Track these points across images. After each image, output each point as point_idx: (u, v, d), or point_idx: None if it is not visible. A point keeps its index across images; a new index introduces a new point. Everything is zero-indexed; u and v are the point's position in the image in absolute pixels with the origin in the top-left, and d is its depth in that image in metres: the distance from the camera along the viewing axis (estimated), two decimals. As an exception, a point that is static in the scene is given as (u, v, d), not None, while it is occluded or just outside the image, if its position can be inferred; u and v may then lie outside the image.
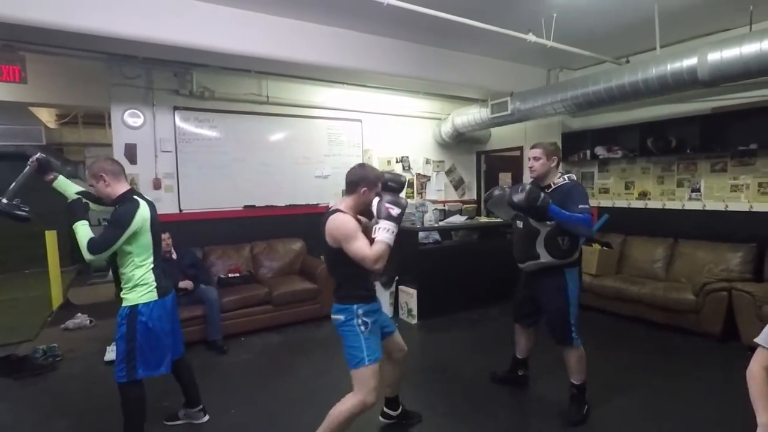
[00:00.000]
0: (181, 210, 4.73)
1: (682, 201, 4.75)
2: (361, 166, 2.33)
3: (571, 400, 2.75)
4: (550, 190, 2.62)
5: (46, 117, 6.25)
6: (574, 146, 5.47)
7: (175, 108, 4.67)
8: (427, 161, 6.40)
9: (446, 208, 5.91)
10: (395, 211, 2.10)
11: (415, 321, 4.62)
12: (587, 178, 5.62)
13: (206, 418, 2.82)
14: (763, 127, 4.03)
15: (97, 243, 2.19)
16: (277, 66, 4.59)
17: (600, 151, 5.22)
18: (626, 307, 4.47)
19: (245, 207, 5.07)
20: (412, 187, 6.30)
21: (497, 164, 6.87)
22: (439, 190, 6.51)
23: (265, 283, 4.70)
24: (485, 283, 4.97)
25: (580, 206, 2.45)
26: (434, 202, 6.22)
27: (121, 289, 2.35)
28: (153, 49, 3.71)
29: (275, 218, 5.23)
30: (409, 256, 4.75)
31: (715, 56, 3.43)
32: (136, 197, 2.35)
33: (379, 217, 2.11)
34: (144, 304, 2.33)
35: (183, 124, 4.72)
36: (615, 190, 5.35)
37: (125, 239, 2.25)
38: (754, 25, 3.75)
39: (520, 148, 6.12)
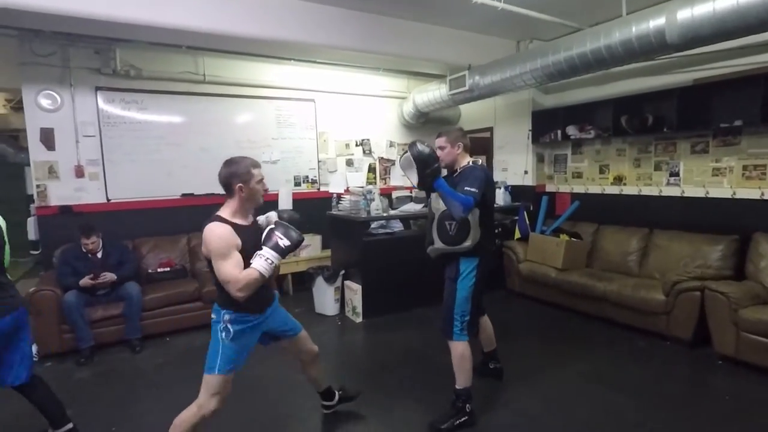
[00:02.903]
0: (108, 199, 4.38)
1: (659, 186, 4.22)
2: (227, 162, 2.03)
3: (451, 404, 2.54)
4: (455, 174, 2.52)
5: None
6: (545, 126, 4.94)
7: (98, 88, 4.28)
8: (391, 144, 5.94)
9: (413, 194, 5.47)
10: (284, 243, 1.91)
11: (360, 319, 4.23)
12: (560, 161, 5.10)
13: None
14: (750, 100, 3.45)
15: None
16: (212, 41, 4.17)
17: (572, 131, 4.69)
18: (592, 306, 4.00)
19: (183, 195, 4.69)
20: (375, 173, 5.85)
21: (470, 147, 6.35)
22: (404, 175, 6.02)
23: (200, 277, 4.36)
24: (442, 277, 4.51)
25: (466, 187, 2.28)
26: (399, 188, 5.80)
27: None
28: (68, 22, 3.32)
29: (216, 207, 4.83)
30: (353, 248, 4.34)
31: (685, 14, 2.88)
32: None
33: (264, 244, 1.90)
34: None
35: (107, 106, 4.33)
36: (589, 175, 4.82)
37: None
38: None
39: (490, 129, 5.61)
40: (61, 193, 4.19)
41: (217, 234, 1.86)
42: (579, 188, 4.92)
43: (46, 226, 4.15)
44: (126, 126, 4.42)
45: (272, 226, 1.94)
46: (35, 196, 4.13)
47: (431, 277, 4.45)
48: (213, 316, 2.04)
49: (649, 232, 4.17)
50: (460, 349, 2.50)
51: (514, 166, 5.32)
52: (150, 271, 4.24)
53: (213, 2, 3.47)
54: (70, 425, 2.43)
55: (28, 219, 4.26)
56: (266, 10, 3.67)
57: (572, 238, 4.41)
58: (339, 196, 4.69)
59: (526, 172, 5.19)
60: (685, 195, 4.02)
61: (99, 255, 3.80)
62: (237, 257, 1.86)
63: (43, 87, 4.08)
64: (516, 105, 5.20)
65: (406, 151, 2.42)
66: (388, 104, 5.84)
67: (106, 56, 4.26)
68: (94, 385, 3.18)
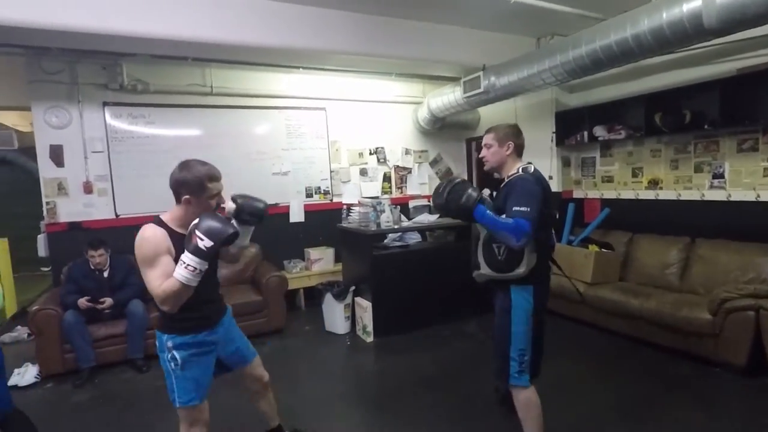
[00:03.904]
0: (117, 215, 4.33)
1: (701, 190, 3.77)
2: (180, 166, 1.76)
3: None
4: (503, 185, 2.09)
5: (17, 120, 6.10)
6: (570, 127, 4.57)
7: (105, 104, 4.26)
8: (407, 151, 5.68)
9: (431, 204, 5.20)
10: (204, 243, 1.59)
11: (370, 339, 3.97)
12: (588, 164, 4.71)
13: None
14: (806, 89, 3.03)
15: None
16: (218, 51, 4.08)
17: (600, 131, 4.30)
18: (626, 325, 3.60)
19: (192, 210, 4.60)
20: (390, 182, 5.61)
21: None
22: (422, 183, 5.77)
23: (208, 294, 4.23)
24: (460, 293, 4.19)
25: (514, 208, 1.86)
26: (416, 197, 5.55)
27: None
28: (74, 38, 3.31)
29: (226, 221, 4.74)
30: (362, 263, 4.10)
31: (724, -7, 2.52)
32: None
33: (185, 247, 1.62)
34: None
35: (115, 121, 4.30)
36: (620, 179, 4.41)
37: None
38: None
39: (512, 133, 5.26)
40: (71, 209, 4.17)
41: (146, 236, 1.67)
42: (610, 194, 4.51)
43: (56, 242, 4.14)
44: (134, 141, 4.37)
45: (194, 222, 1.63)
46: (45, 213, 4.12)
47: (447, 293, 4.21)
48: (157, 342, 1.83)
49: (691, 241, 3.73)
50: (522, 396, 2.07)
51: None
52: (156, 287, 4.14)
53: (216, 12, 3.39)
54: None
55: (38, 236, 4.26)
56: (271, 17, 3.56)
57: (602, 249, 4.01)
58: (349, 208, 4.47)
59: (550, 178, 4.81)
60: (732, 199, 3.57)
61: (105, 274, 3.72)
62: (165, 265, 1.65)
63: (52, 104, 4.08)
64: (538, 106, 4.86)
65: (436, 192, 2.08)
66: (403, 110, 5.61)
67: (112, 71, 4.24)
68: (89, 409, 3.04)
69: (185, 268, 1.58)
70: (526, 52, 4.17)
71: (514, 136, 2.13)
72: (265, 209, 1.96)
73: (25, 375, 3.44)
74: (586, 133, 4.39)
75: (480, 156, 2.24)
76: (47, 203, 4.10)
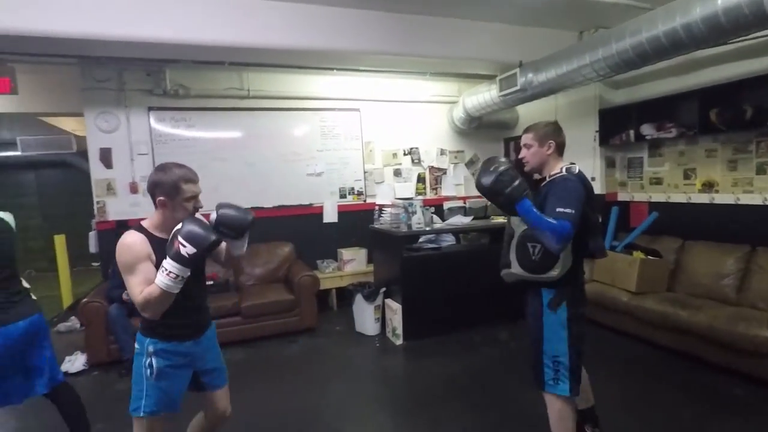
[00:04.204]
0: (160, 214, 4.53)
1: (763, 194, 3.43)
2: (157, 168, 1.73)
3: None
4: (543, 184, 2.01)
5: (75, 125, 6.54)
6: (615, 125, 4.30)
7: (150, 108, 4.47)
8: (442, 152, 5.57)
9: (467, 205, 5.09)
10: (186, 250, 1.53)
11: (400, 342, 3.92)
12: (635, 165, 4.41)
13: None
14: None
15: None
16: (254, 55, 4.14)
17: (648, 129, 4.02)
18: (674, 339, 3.33)
19: (229, 210, 4.74)
20: (424, 183, 5.52)
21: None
22: (458, 184, 5.64)
23: (244, 291, 4.35)
24: (493, 297, 4.04)
25: (557, 209, 1.77)
26: (451, 198, 5.44)
27: None
28: (122, 47, 3.46)
29: (262, 220, 4.79)
30: (393, 264, 4.06)
31: (789, -25, 2.27)
32: None
33: (167, 252, 1.56)
34: None
35: (158, 125, 4.51)
36: (671, 181, 4.09)
37: None
38: None
39: (552, 132, 5.03)
40: (118, 208, 4.41)
41: (126, 243, 1.63)
42: (658, 196, 4.20)
43: (105, 239, 4.38)
44: (175, 143, 4.56)
45: (177, 227, 1.58)
46: (95, 212, 4.38)
47: (479, 298, 4.08)
48: (136, 346, 1.76)
49: (751, 250, 3.40)
50: (556, 405, 1.97)
51: (580, 172, 4.70)
52: (194, 284, 4.30)
53: (252, 18, 3.47)
54: None
55: (90, 233, 4.53)
56: (304, 20, 3.60)
57: (649, 256, 3.74)
58: (381, 209, 4.44)
59: (593, 179, 4.53)
60: (800, 204, 3.23)
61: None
62: (145, 272, 1.61)
63: (102, 110, 4.33)
64: (580, 103, 4.61)
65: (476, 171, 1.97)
66: (438, 110, 5.51)
67: (157, 77, 4.43)
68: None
69: (167, 275, 1.53)
70: (565, 47, 3.97)
71: (554, 135, 2.03)
72: (247, 223, 1.73)
73: (75, 362, 3.68)
74: (632, 132, 4.11)
75: (519, 157, 2.13)
76: (97, 202, 4.36)
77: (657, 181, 4.21)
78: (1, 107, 4.48)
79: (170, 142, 4.54)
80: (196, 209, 1.71)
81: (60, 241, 5.30)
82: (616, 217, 4.15)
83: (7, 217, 2.28)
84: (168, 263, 1.53)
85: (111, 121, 4.36)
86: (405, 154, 5.41)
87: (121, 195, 4.42)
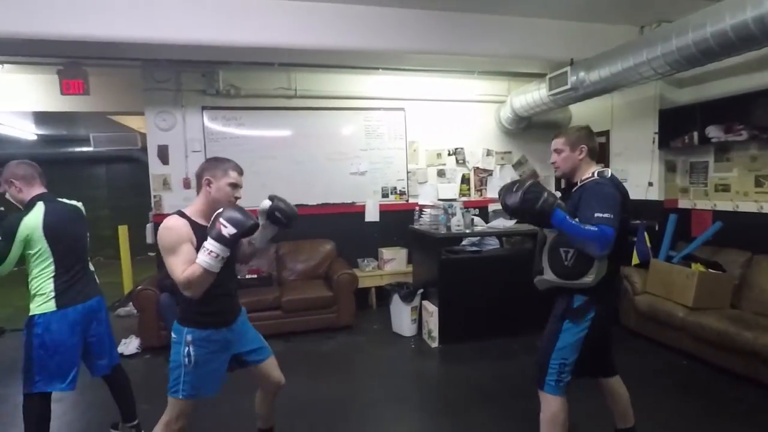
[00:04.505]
0: (210, 209, 4.76)
1: None
2: (208, 158, 1.95)
3: None
4: (575, 189, 1.99)
5: (140, 124, 7.00)
6: (677, 127, 3.99)
7: (204, 108, 4.69)
8: (489, 153, 5.43)
9: (500, 204, 4.93)
10: (228, 231, 1.64)
11: (435, 344, 3.87)
12: (698, 170, 4.08)
13: None
14: None
15: None
16: (301, 56, 4.26)
17: (715, 132, 3.70)
18: (735, 361, 3.05)
19: (274, 206, 4.88)
20: (468, 184, 5.41)
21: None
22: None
23: (285, 286, 4.47)
24: (535, 304, 3.86)
25: (596, 214, 1.76)
26: (497, 201, 5.28)
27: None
28: (180, 50, 3.72)
29: (306, 218, 4.91)
30: (431, 266, 4.01)
31: None
32: (39, 202, 2.22)
33: (208, 233, 1.67)
34: (40, 315, 2.19)
35: (211, 123, 4.72)
36: (740, 188, 3.75)
37: (18, 251, 2.13)
38: None
39: (606, 133, 4.76)
40: (173, 202, 4.65)
41: (168, 226, 1.74)
42: (724, 205, 3.86)
43: (160, 231, 4.66)
44: (226, 141, 4.76)
45: (219, 211, 1.69)
46: (152, 205, 4.67)
47: (519, 305, 3.93)
48: (173, 335, 1.87)
49: (831, 267, 3.05)
50: (552, 407, 1.97)
51: (636, 176, 4.41)
52: (239, 277, 4.47)
53: (300, 19, 3.57)
54: (136, 421, 2.59)
55: (147, 225, 4.84)
56: (351, 20, 3.66)
57: (710, 269, 3.45)
58: (421, 209, 4.40)
59: (650, 184, 4.26)
60: None
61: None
62: (187, 253, 1.70)
63: (161, 109, 4.60)
64: (638, 103, 4.33)
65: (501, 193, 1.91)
66: (485, 109, 5.37)
67: (210, 78, 4.64)
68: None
69: (208, 254, 1.63)
70: (621, 43, 3.74)
71: (587, 139, 2.01)
72: (295, 214, 2.00)
73: (129, 345, 3.95)
74: (696, 134, 3.80)
75: (551, 162, 2.12)
76: (154, 196, 4.65)
77: (724, 188, 3.87)
78: (76, 107, 4.87)
79: (221, 140, 4.75)
80: (235, 198, 1.83)
81: (123, 231, 5.69)
82: (674, 225, 3.86)
83: (80, 206, 2.49)
84: (210, 243, 1.63)
85: (168, 119, 4.62)
86: (449, 155, 5.33)
87: (176, 190, 4.68)
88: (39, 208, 2.20)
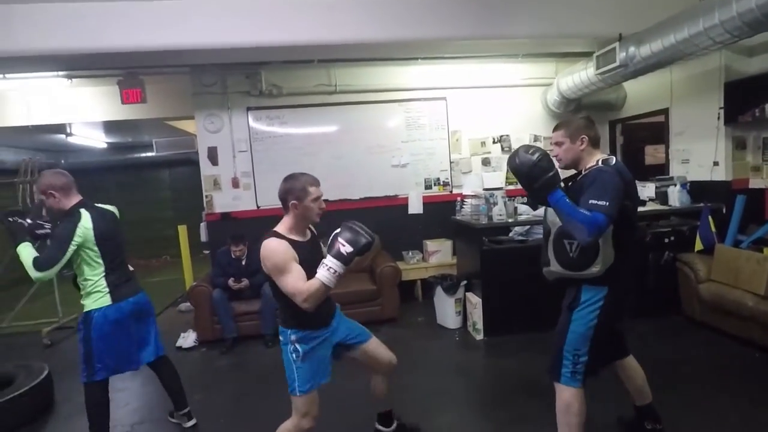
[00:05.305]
0: (258, 206, 4.95)
1: None
2: (285, 178, 2.03)
3: None
4: (579, 177, 1.99)
5: (193, 128, 7.38)
6: (746, 100, 3.63)
7: (248, 109, 4.87)
8: (536, 138, 5.21)
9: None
10: (346, 249, 1.79)
11: (480, 337, 3.80)
12: (770, 146, 3.68)
13: (190, 423, 2.76)
14: None
15: (41, 262, 2.25)
16: (341, 51, 4.29)
17: (790, 102, 3.33)
18: (817, 356, 2.75)
19: (318, 202, 4.98)
20: (514, 172, 5.22)
21: (640, 135, 5.14)
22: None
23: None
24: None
25: (591, 201, 1.75)
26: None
27: (81, 296, 2.47)
28: (224, 54, 3.87)
29: (349, 212, 5.00)
30: (473, 257, 3.92)
31: None
32: (81, 209, 2.37)
33: (328, 252, 1.83)
34: (97, 309, 2.38)
35: (255, 123, 4.89)
36: (821, 164, 3.35)
37: (69, 255, 2.29)
38: None
39: (665, 111, 4.41)
40: (223, 201, 4.90)
41: (272, 248, 1.86)
42: (803, 184, 3.47)
43: (212, 230, 4.92)
44: (271, 140, 4.91)
45: (337, 230, 1.84)
46: (205, 205, 4.93)
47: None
48: (280, 337, 2.04)
49: None
50: (566, 396, 1.98)
51: (699, 156, 4.06)
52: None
53: (336, 14, 3.62)
54: (188, 408, 2.76)
55: (201, 224, 5.11)
56: (387, 11, 3.68)
57: (785, 255, 3.12)
58: (463, 200, 4.32)
59: (716, 164, 3.90)
60: None
61: (243, 262, 4.26)
62: (298, 269, 1.84)
63: (209, 112, 4.83)
64: (701, 76, 3.97)
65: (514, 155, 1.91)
66: (531, 93, 5.15)
67: (254, 79, 4.80)
68: (227, 373, 3.59)
69: (327, 270, 1.76)
70: (675, 12, 3.44)
71: (586, 129, 2.00)
72: (365, 246, 1.83)
73: (188, 339, 4.19)
74: (767, 107, 3.43)
75: (553, 155, 2.05)
76: (206, 196, 4.90)
77: (801, 166, 3.48)
78: (134, 114, 5.21)
79: (266, 139, 4.91)
80: (321, 210, 2.00)
81: (182, 231, 6.04)
82: (742, 207, 3.52)
83: (115, 210, 2.63)
84: (330, 260, 1.77)
85: (216, 122, 4.84)
86: (494, 143, 5.18)
87: (225, 189, 4.90)
88: (86, 216, 2.35)
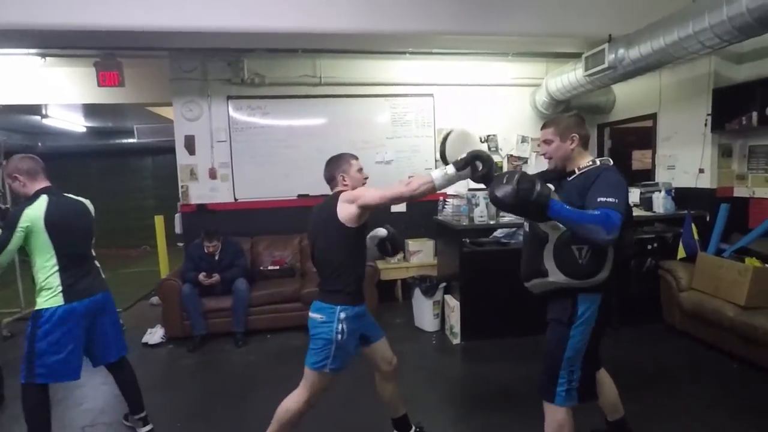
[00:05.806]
0: (236, 199, 4.79)
1: None
2: (328, 161, 2.22)
3: None
4: (572, 177, 1.87)
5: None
6: (733, 107, 3.57)
7: (229, 97, 4.70)
8: (523, 139, 5.13)
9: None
10: (480, 169, 1.79)
11: (457, 341, 3.71)
12: (758, 155, 3.65)
13: (146, 429, 2.56)
14: None
15: None
16: (326, 41, 4.15)
17: (777, 112, 3.28)
18: (795, 370, 2.70)
19: (299, 196, 4.84)
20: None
21: (628, 139, 5.09)
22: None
23: (307, 277, 4.43)
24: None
25: (599, 199, 1.64)
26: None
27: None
28: (206, 38, 3.70)
29: (330, 208, 4.88)
30: (453, 259, 3.83)
31: None
32: (42, 195, 2.23)
33: (454, 165, 1.84)
34: (46, 309, 2.21)
35: (236, 113, 4.73)
36: (807, 174, 3.31)
37: (18, 241, 2.15)
38: None
39: (653, 116, 4.35)
40: (199, 192, 4.73)
41: (347, 191, 2.01)
42: (788, 194, 3.43)
43: (188, 221, 4.75)
44: (251, 131, 4.76)
45: (472, 151, 1.86)
46: (180, 195, 4.76)
47: (546, 301, 3.68)
48: (318, 316, 1.99)
49: None
50: (560, 417, 1.84)
51: (685, 162, 4.01)
52: (262, 268, 4.48)
53: (323, 2, 3.48)
54: (144, 413, 2.57)
55: (176, 215, 4.94)
56: (374, 2, 3.55)
57: (766, 264, 3.07)
58: (445, 199, 4.22)
59: (701, 171, 3.86)
60: None
61: (216, 257, 4.10)
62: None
63: (187, 99, 4.65)
64: (690, 82, 3.91)
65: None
66: (519, 93, 5.07)
67: (235, 67, 4.63)
68: (194, 373, 3.43)
69: (443, 176, 1.84)
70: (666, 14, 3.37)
71: (577, 127, 1.90)
72: (401, 249, 2.13)
73: (155, 335, 4.01)
74: (755, 115, 3.39)
75: (541, 153, 2.03)
76: (182, 186, 4.73)
77: (787, 175, 3.44)
78: (112, 98, 4.99)
79: (246, 130, 4.75)
80: (365, 179, 2.17)
81: (159, 221, 5.83)
82: (725, 215, 3.47)
83: (88, 203, 2.48)
84: (451, 168, 1.83)
85: (195, 110, 4.67)
86: (482, 142, 5.07)
87: (202, 180, 4.73)
88: (42, 201, 2.21)
